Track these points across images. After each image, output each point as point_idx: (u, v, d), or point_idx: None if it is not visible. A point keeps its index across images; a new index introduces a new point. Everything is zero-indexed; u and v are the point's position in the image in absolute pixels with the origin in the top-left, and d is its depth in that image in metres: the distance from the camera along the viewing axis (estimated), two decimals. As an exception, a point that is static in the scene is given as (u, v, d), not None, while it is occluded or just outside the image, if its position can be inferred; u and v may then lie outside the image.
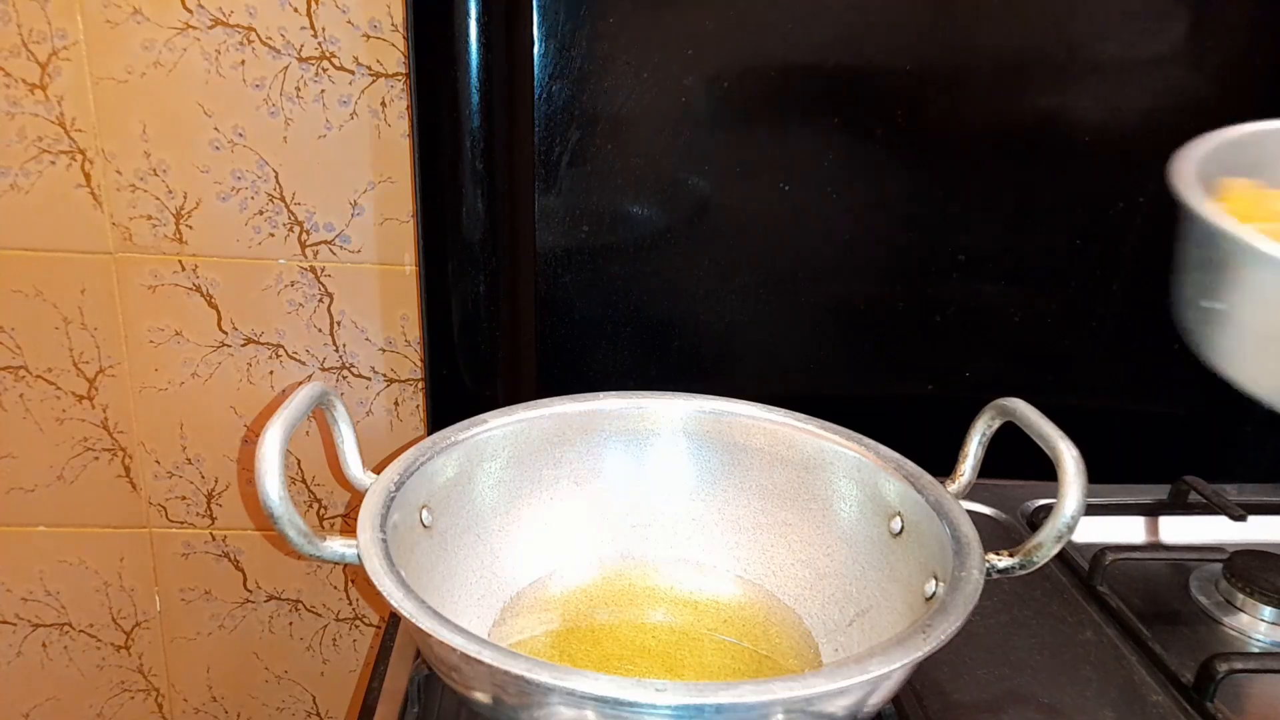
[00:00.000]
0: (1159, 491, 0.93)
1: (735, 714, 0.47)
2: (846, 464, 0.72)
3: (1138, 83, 0.86)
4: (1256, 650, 0.75)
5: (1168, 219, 0.64)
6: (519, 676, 0.47)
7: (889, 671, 0.49)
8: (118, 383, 1.01)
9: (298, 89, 0.91)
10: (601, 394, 0.77)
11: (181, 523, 1.08)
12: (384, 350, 1.02)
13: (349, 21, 0.89)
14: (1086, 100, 0.86)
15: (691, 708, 0.46)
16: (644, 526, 0.78)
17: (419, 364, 1.03)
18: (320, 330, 1.00)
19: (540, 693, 0.48)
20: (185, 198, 0.94)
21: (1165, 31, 0.85)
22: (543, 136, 0.85)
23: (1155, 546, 0.90)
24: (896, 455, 0.70)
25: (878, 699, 0.54)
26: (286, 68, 0.90)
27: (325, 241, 0.97)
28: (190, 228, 0.95)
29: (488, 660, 0.47)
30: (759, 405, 0.76)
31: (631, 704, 0.46)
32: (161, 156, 0.93)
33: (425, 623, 0.50)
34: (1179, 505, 0.91)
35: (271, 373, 1.02)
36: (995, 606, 0.76)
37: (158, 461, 1.05)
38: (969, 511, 0.64)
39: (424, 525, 0.67)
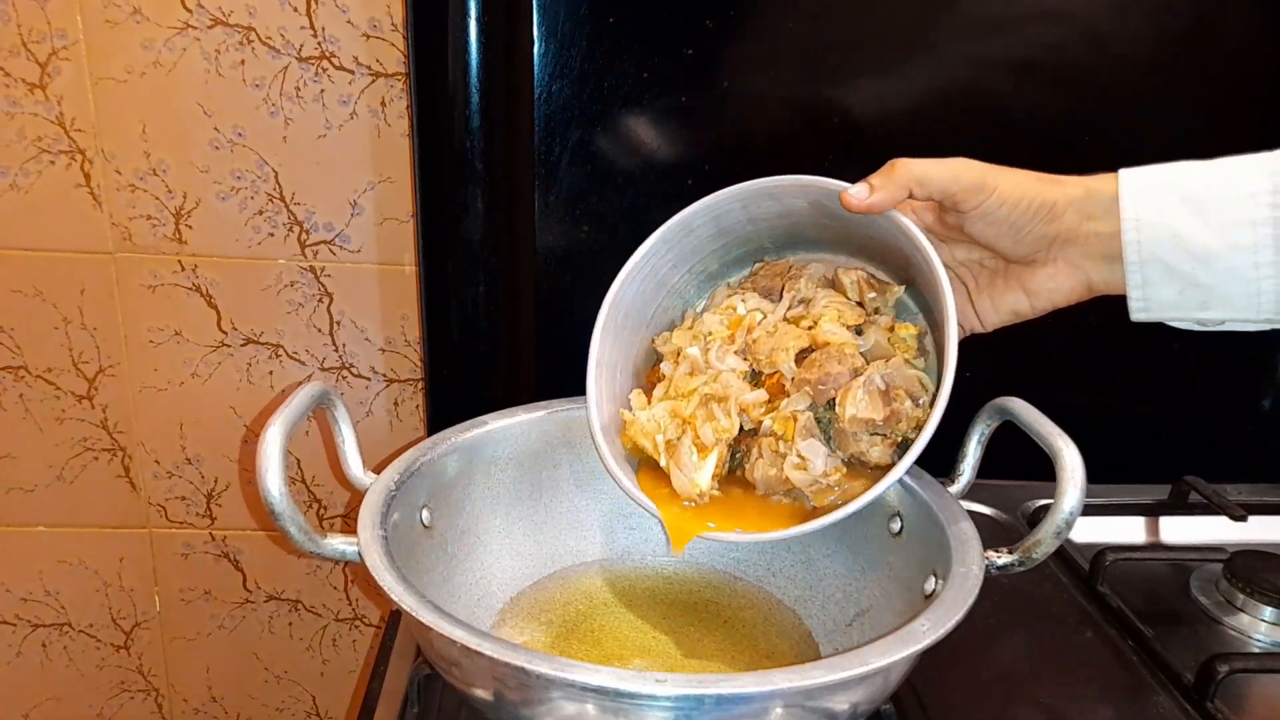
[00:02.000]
0: (1159, 491, 0.93)
1: (735, 705, 0.47)
2: (846, 463, 0.72)
3: (1138, 83, 0.87)
4: (1257, 650, 0.75)
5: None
6: (519, 668, 0.47)
7: (889, 664, 0.49)
8: (117, 383, 1.01)
9: (297, 89, 0.91)
10: (601, 393, 0.77)
11: (181, 523, 1.08)
12: (384, 350, 1.02)
13: (349, 21, 0.89)
14: (1088, 99, 0.87)
15: (691, 698, 0.46)
16: (643, 528, 0.78)
17: (419, 364, 1.03)
18: (320, 330, 1.00)
19: (541, 686, 0.48)
20: (185, 197, 0.94)
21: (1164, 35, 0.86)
22: (543, 136, 0.85)
23: (1156, 547, 0.90)
24: (896, 454, 0.70)
25: (877, 693, 0.54)
26: (286, 67, 0.90)
27: (325, 241, 0.97)
28: (190, 227, 0.95)
29: (488, 653, 0.47)
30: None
31: (632, 695, 0.46)
32: (161, 156, 0.93)
33: (426, 616, 0.50)
34: (1179, 505, 0.92)
35: (271, 373, 1.02)
36: (995, 607, 0.76)
37: (157, 461, 1.05)
38: (969, 512, 0.64)
39: (424, 525, 0.67)
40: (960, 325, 0.66)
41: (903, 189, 0.61)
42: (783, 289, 0.72)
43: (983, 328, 0.66)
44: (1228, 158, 0.58)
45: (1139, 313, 0.61)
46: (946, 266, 0.65)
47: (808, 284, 0.71)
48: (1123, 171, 0.60)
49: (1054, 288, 0.63)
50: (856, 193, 0.62)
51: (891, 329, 0.68)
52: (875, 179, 0.62)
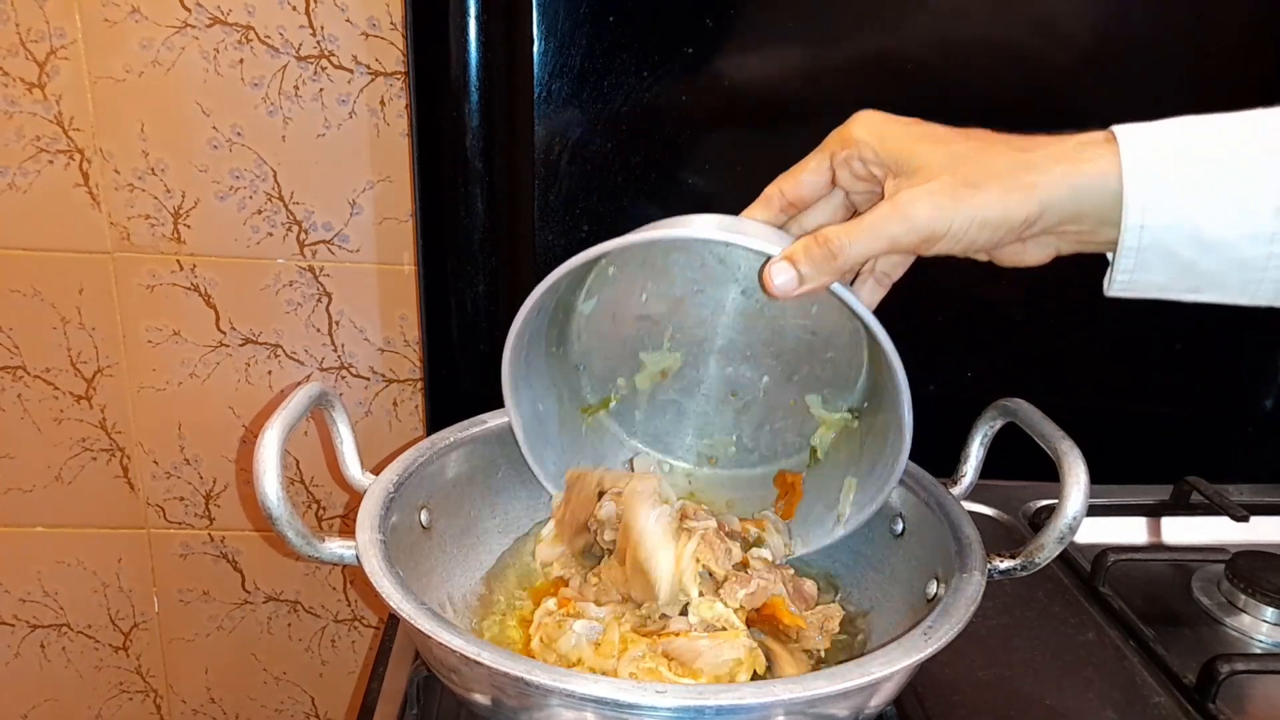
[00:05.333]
0: (1161, 492, 0.93)
1: (735, 716, 0.47)
2: (847, 465, 0.72)
3: (1141, 77, 0.86)
4: (1258, 651, 0.75)
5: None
6: (518, 678, 0.47)
7: (890, 674, 0.49)
8: (116, 383, 1.01)
9: (296, 88, 0.91)
10: (601, 394, 0.77)
11: (180, 523, 1.07)
12: (383, 350, 1.02)
13: (348, 20, 0.89)
14: (1093, 94, 0.86)
15: (691, 709, 0.46)
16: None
17: (418, 364, 1.02)
18: (319, 330, 1.00)
19: (539, 694, 0.48)
20: (183, 197, 0.94)
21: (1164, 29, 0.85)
22: (542, 135, 0.85)
23: (1157, 547, 0.90)
24: (898, 456, 0.70)
25: (879, 700, 0.54)
26: (285, 66, 0.90)
27: (324, 241, 0.96)
28: (188, 227, 0.95)
29: (487, 662, 0.47)
30: (759, 405, 0.75)
31: (631, 706, 0.46)
32: (160, 156, 0.92)
33: (424, 624, 0.50)
34: (1181, 506, 0.91)
35: (270, 373, 1.02)
36: (997, 607, 0.76)
37: (156, 462, 1.05)
38: (971, 512, 0.64)
39: (423, 526, 0.67)
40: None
41: (836, 275, 0.54)
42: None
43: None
44: (1238, 115, 0.49)
45: (1119, 291, 0.52)
46: None
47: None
48: (1120, 139, 0.49)
49: (1019, 260, 0.56)
50: (781, 282, 0.54)
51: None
52: (803, 264, 0.54)
